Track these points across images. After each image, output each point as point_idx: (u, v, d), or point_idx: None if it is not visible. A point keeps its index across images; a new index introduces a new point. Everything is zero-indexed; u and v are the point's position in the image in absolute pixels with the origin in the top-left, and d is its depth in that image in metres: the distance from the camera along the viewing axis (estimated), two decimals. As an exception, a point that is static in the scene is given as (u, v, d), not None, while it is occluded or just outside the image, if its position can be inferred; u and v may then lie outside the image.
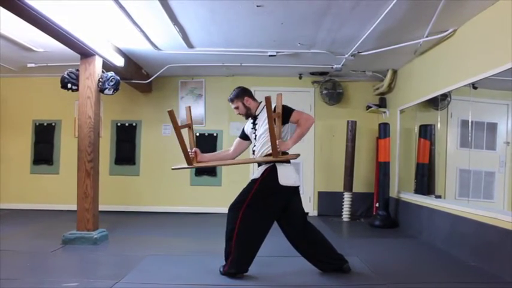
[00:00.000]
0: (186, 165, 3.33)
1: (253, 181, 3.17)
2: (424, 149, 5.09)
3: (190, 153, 3.29)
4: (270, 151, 3.08)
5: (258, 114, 3.35)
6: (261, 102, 3.33)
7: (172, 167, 3.52)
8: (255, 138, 3.32)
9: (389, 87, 6.08)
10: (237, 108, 3.39)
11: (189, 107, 3.50)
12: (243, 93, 3.38)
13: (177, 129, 3.16)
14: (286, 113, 3.13)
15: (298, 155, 3.17)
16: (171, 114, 3.09)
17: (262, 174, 3.13)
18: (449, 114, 4.66)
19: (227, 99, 3.48)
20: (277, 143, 3.01)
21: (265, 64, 5.72)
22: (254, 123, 3.36)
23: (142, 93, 6.63)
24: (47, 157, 6.72)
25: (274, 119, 3.02)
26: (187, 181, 6.67)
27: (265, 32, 4.43)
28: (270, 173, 3.10)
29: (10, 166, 6.69)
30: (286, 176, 3.11)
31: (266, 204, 3.11)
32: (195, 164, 3.35)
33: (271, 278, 3.20)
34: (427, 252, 4.14)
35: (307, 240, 3.23)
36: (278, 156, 3.05)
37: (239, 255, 3.10)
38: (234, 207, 3.15)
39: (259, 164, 3.24)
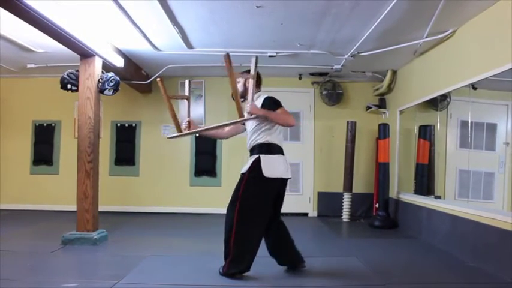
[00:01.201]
0: (178, 133, 3.31)
1: (242, 177, 3.15)
2: (423, 149, 5.09)
3: (184, 122, 3.33)
4: (260, 140, 3.12)
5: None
6: (259, 92, 3.32)
7: (168, 136, 3.51)
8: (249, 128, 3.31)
9: (389, 87, 6.08)
10: (238, 82, 3.28)
11: (189, 81, 3.46)
12: (247, 74, 3.29)
13: (166, 97, 3.12)
14: (271, 105, 3.11)
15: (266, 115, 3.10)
16: (161, 83, 3.08)
17: (249, 169, 3.11)
18: (449, 114, 4.67)
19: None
20: (249, 103, 3.04)
21: (265, 65, 5.70)
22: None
23: (142, 93, 6.63)
24: (47, 158, 6.72)
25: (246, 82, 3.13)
26: (187, 182, 6.68)
27: (264, 33, 4.44)
28: (256, 166, 3.07)
29: (10, 167, 6.69)
30: (270, 167, 3.07)
31: (257, 199, 3.08)
32: (186, 131, 3.35)
33: (270, 278, 3.20)
34: (427, 252, 4.14)
35: (279, 234, 3.25)
36: (242, 116, 3.05)
37: (238, 254, 3.09)
38: (230, 207, 3.15)
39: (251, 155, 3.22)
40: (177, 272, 3.34)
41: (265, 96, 3.22)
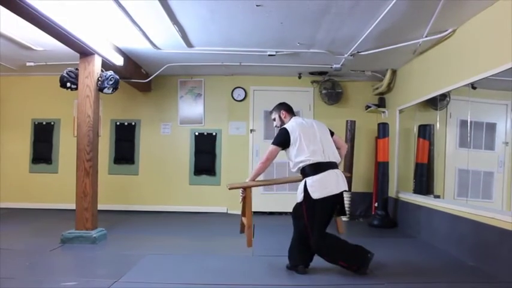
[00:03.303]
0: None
1: (299, 206, 3.24)
2: (423, 149, 5.09)
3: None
4: (301, 164, 3.21)
5: None
6: (292, 117, 3.50)
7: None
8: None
9: (389, 87, 6.08)
10: (274, 120, 3.59)
11: None
12: (280, 106, 3.57)
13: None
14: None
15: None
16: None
17: (303, 199, 3.18)
18: (449, 114, 4.67)
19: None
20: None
21: (265, 63, 5.72)
22: None
23: (141, 92, 6.63)
24: (46, 156, 6.72)
25: None
26: (186, 180, 6.68)
27: (264, 32, 4.43)
28: (305, 193, 3.17)
29: (9, 165, 6.68)
30: (317, 189, 3.14)
31: (319, 217, 3.19)
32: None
33: (269, 277, 3.21)
34: (426, 252, 4.14)
35: None
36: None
37: (349, 256, 3.25)
38: (313, 241, 3.19)
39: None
40: (176, 270, 3.34)
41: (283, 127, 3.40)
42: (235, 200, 6.56)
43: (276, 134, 3.39)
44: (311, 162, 3.18)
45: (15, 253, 3.78)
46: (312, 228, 3.17)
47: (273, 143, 3.31)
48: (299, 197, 3.23)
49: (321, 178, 3.17)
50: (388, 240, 4.69)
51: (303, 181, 3.21)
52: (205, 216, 6.30)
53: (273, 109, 3.63)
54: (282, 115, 3.51)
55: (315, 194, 3.12)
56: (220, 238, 4.75)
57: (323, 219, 3.22)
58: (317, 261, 3.30)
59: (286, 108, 3.55)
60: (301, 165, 3.22)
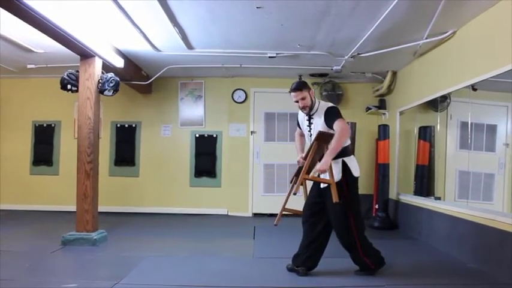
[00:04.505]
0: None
1: (340, 187, 3.08)
2: (423, 150, 5.09)
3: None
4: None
5: (313, 114, 3.32)
6: (316, 103, 3.31)
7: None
8: (310, 137, 3.35)
9: (389, 88, 6.08)
10: (303, 99, 3.21)
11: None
12: (307, 85, 3.28)
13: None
14: (330, 118, 3.17)
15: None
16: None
17: (344, 178, 3.12)
18: (449, 116, 4.66)
19: (291, 88, 3.24)
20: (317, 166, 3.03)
21: (265, 65, 5.72)
22: (310, 122, 3.35)
23: (142, 94, 6.64)
24: (47, 158, 6.73)
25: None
26: (186, 182, 6.67)
27: (265, 33, 4.44)
28: (346, 171, 3.15)
29: (10, 167, 6.68)
30: (355, 167, 3.21)
31: (357, 198, 3.26)
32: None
33: (269, 279, 3.20)
34: (426, 253, 4.13)
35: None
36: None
37: (373, 254, 3.23)
38: (340, 223, 3.16)
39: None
40: (177, 272, 3.33)
41: (326, 108, 3.24)
42: (235, 202, 6.64)
43: (333, 112, 3.21)
44: (347, 143, 3.27)
45: (16, 255, 3.78)
46: (356, 209, 3.19)
47: (341, 117, 3.17)
48: (335, 177, 3.07)
49: (353, 158, 3.27)
50: (389, 242, 4.67)
51: (339, 161, 3.14)
52: (206, 218, 6.29)
53: (299, 85, 3.23)
54: (312, 95, 3.26)
55: (356, 172, 3.17)
56: (221, 240, 4.74)
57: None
58: (319, 263, 3.29)
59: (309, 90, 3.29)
60: (344, 144, 3.19)
